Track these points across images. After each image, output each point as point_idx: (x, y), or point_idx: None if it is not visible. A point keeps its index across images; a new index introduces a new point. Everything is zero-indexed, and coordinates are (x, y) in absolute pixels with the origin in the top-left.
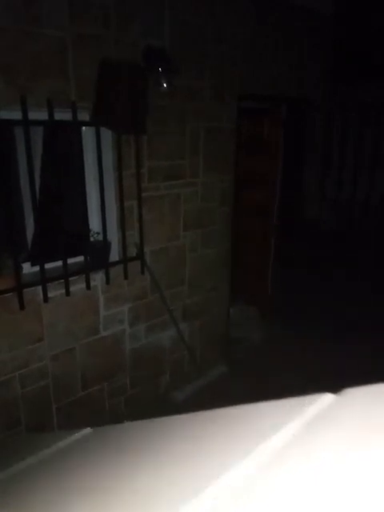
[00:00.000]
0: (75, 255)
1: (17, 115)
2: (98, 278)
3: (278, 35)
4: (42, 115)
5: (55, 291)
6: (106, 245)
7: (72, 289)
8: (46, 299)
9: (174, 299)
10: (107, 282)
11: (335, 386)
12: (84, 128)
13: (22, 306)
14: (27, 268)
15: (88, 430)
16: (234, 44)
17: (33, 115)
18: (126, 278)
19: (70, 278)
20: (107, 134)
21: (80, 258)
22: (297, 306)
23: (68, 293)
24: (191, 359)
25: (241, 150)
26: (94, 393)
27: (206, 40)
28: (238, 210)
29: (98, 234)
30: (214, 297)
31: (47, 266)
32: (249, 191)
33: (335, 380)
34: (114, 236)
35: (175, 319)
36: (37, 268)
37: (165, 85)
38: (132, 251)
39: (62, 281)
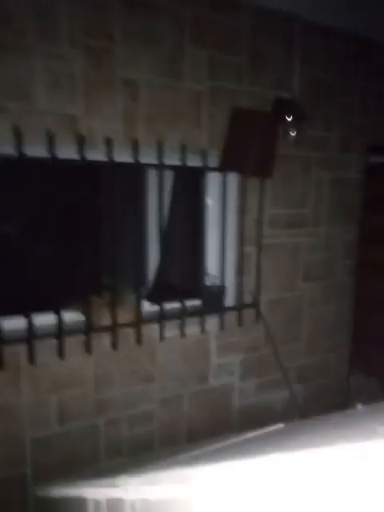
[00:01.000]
0: (191, 297)
1: (153, 158)
2: (211, 323)
3: None
4: (174, 159)
5: (170, 331)
6: (222, 289)
7: (186, 331)
8: (161, 338)
9: (288, 357)
10: (221, 327)
11: None
12: (211, 173)
13: (139, 341)
14: (146, 306)
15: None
16: (364, 96)
17: (166, 159)
18: (239, 324)
19: (185, 320)
20: (232, 179)
21: (196, 301)
22: None
23: (183, 334)
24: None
25: (367, 206)
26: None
27: (334, 92)
28: (362, 269)
29: (215, 277)
30: (332, 360)
31: (164, 305)
32: (375, 251)
33: None
34: (230, 281)
35: (289, 379)
36: (154, 307)
37: (293, 133)
38: (247, 298)
39: (178, 321)
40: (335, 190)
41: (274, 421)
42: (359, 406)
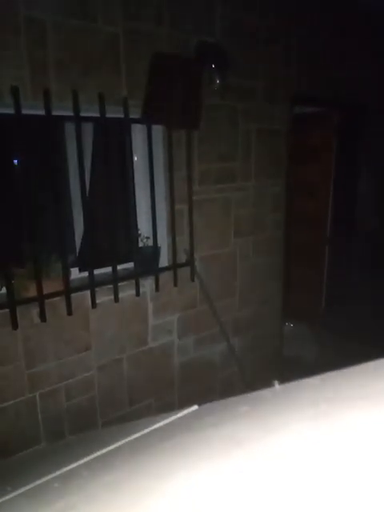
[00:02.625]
0: (124, 260)
1: (68, 111)
2: (146, 285)
3: (338, 36)
4: (93, 111)
5: (103, 297)
6: (155, 250)
7: (120, 295)
8: (94, 305)
9: (224, 311)
10: (156, 288)
11: None
12: (134, 126)
13: (69, 312)
14: (75, 273)
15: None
16: (289, 44)
17: (84, 111)
18: (175, 285)
19: (119, 284)
20: (158, 133)
21: (129, 264)
22: (354, 323)
23: (117, 299)
24: (242, 377)
25: (292, 158)
26: (141, 408)
27: (258, 39)
28: (289, 221)
29: (147, 238)
30: (265, 311)
31: (96, 271)
32: (300, 201)
33: None
34: (163, 241)
35: (226, 333)
36: (85, 273)
37: (218, 81)
38: (182, 257)
39: (111, 286)
40: (262, 142)
41: (214, 372)
42: (276, 384)
